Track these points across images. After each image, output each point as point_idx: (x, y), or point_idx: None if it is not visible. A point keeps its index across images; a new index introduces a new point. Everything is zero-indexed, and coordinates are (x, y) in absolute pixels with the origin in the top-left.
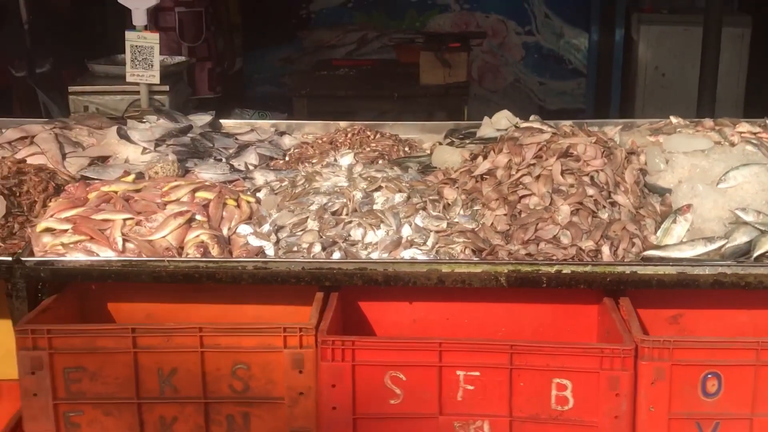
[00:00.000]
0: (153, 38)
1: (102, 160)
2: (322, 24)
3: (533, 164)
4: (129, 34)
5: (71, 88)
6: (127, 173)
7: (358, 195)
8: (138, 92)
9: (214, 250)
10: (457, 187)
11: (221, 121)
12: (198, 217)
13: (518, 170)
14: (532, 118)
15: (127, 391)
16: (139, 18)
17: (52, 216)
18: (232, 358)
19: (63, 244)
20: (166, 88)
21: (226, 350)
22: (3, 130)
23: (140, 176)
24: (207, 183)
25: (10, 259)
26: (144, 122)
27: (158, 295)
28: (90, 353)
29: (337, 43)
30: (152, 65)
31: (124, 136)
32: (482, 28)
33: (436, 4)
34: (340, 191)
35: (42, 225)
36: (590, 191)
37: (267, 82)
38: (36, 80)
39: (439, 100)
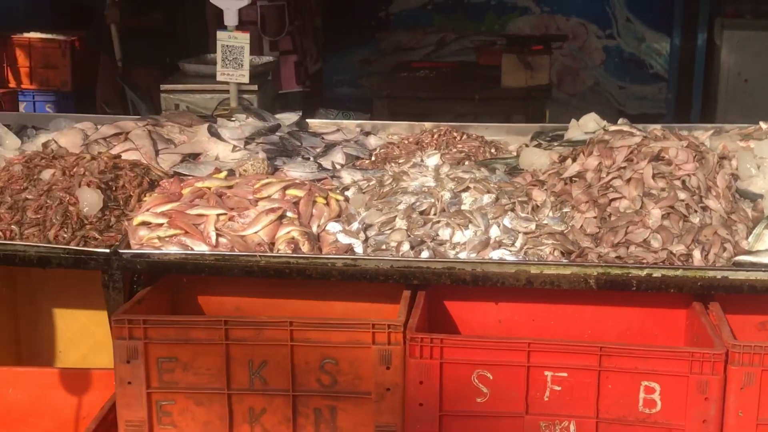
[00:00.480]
0: (243, 38)
1: (193, 156)
2: (401, 26)
3: (624, 167)
4: (220, 34)
5: (163, 87)
6: (218, 170)
7: (446, 195)
8: (227, 91)
9: (305, 247)
10: (546, 189)
11: (307, 120)
12: (289, 214)
13: (608, 173)
14: (620, 121)
15: (218, 381)
16: (231, 18)
17: (148, 210)
18: (320, 353)
19: (159, 238)
20: (255, 87)
21: (316, 344)
22: (98, 126)
23: (231, 173)
24: (297, 181)
25: (107, 251)
26: (233, 121)
27: (247, 289)
28: (183, 344)
29: (415, 45)
30: (242, 65)
31: (214, 134)
32: (562, 31)
33: (516, 7)
34: (428, 191)
35: (138, 219)
36: (682, 195)
37: (345, 83)
38: (123, 78)
39: (519, 102)
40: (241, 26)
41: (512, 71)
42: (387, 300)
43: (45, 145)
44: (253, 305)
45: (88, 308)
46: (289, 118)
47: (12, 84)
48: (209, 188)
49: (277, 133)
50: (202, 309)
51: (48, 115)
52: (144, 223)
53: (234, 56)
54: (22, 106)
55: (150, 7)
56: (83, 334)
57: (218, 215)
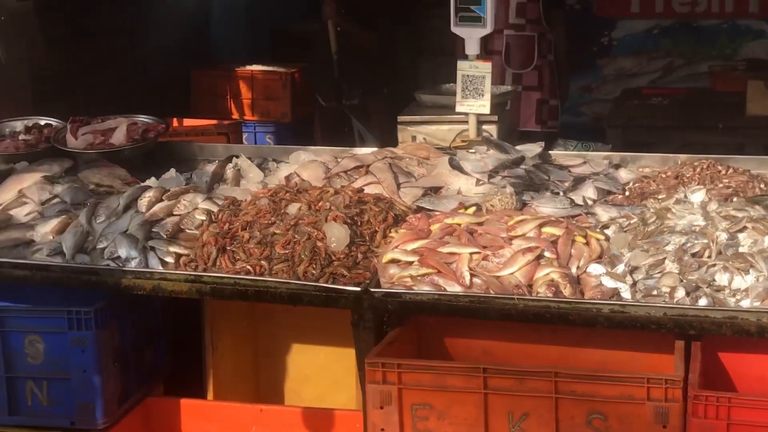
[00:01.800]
0: (485, 67)
1: (434, 190)
2: (625, 51)
3: None
4: (461, 64)
5: (400, 118)
6: (462, 205)
7: (723, 236)
8: (465, 122)
9: (566, 290)
10: None
11: (549, 152)
12: (547, 253)
13: None
14: None
15: None
16: (472, 47)
17: (397, 247)
18: (587, 407)
19: (411, 276)
20: (495, 118)
21: (582, 398)
22: (338, 159)
23: (477, 208)
24: (552, 218)
25: (358, 289)
26: (473, 153)
27: (496, 332)
28: (439, 390)
29: (640, 71)
30: (483, 95)
31: (456, 166)
32: None
33: (750, 30)
34: (699, 231)
35: (388, 256)
36: None
37: (565, 111)
38: (349, 108)
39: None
40: (486, 55)
41: (759, 98)
42: (650, 349)
43: (288, 178)
44: (502, 349)
45: (328, 344)
46: (530, 150)
47: (235, 115)
48: (459, 225)
49: (521, 166)
50: (449, 351)
51: (287, 147)
52: (393, 261)
53: (474, 86)
54: (244, 137)
55: (365, 25)
56: (322, 371)
57: (471, 254)
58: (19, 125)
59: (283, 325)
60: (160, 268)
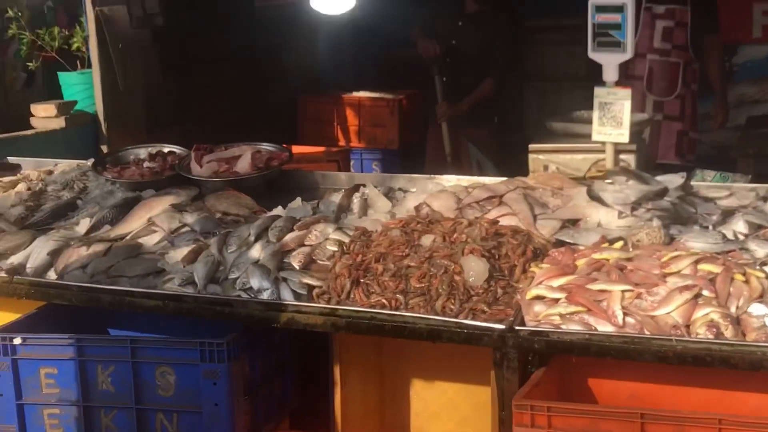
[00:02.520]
0: (624, 94)
1: (572, 222)
2: (745, 77)
3: None
4: (598, 90)
5: (531, 147)
6: (604, 239)
7: None
8: (601, 151)
9: (728, 331)
10: None
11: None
12: (705, 292)
13: None
14: None
15: None
16: (610, 73)
17: (541, 283)
18: None
19: (560, 315)
20: (633, 147)
21: None
22: (469, 190)
23: (623, 243)
24: (708, 254)
25: (502, 327)
26: (611, 183)
27: (643, 373)
28: None
29: (761, 98)
30: (621, 123)
31: (595, 197)
32: None
33: None
34: None
35: (532, 292)
36: None
37: None
38: (468, 136)
39: None
40: (626, 80)
41: None
42: None
43: (417, 208)
44: (652, 393)
45: (457, 381)
46: (672, 181)
47: (341, 142)
48: (607, 260)
49: (665, 198)
50: (594, 394)
51: (410, 175)
52: (538, 297)
53: (612, 114)
54: (351, 164)
55: (479, 75)
56: (450, 408)
57: (623, 291)
58: (143, 152)
59: (410, 360)
60: (293, 299)
